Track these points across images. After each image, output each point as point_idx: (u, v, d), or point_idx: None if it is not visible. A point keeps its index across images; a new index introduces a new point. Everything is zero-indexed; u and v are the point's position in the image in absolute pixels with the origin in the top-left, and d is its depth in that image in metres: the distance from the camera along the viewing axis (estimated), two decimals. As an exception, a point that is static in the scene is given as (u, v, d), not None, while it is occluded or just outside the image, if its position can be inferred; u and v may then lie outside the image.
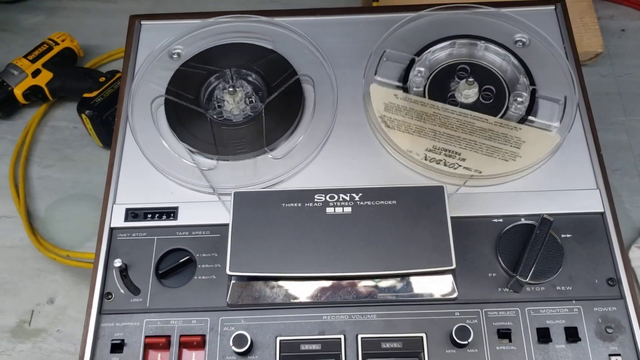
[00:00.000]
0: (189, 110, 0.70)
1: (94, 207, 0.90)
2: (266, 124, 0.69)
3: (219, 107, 0.71)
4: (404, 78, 0.71)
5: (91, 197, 0.91)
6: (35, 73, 1.00)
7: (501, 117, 0.68)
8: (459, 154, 0.65)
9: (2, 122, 1.01)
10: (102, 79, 0.97)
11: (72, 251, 0.80)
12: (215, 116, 0.70)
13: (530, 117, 0.67)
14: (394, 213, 0.61)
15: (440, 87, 0.71)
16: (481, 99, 0.69)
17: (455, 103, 0.70)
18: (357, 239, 0.60)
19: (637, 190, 0.90)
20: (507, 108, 0.68)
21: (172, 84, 0.72)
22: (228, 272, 0.58)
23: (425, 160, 0.65)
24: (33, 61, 1.01)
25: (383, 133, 0.67)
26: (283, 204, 0.61)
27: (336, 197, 0.62)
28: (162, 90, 0.72)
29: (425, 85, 0.71)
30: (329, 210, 0.61)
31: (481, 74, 0.71)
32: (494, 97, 0.69)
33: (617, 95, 1.01)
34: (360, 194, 0.62)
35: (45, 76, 1.00)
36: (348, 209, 0.61)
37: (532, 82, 0.69)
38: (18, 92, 0.99)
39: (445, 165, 0.65)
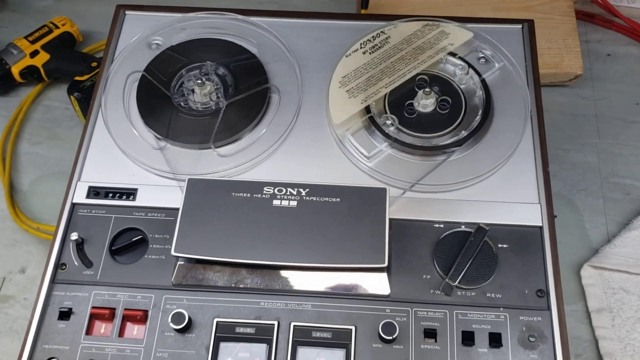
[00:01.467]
0: (158, 95, 0.74)
1: (75, 185, 0.94)
2: (231, 118, 0.72)
3: (186, 95, 0.74)
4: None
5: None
6: (34, 54, 1.04)
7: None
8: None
9: (-1, 98, 1.06)
10: (94, 64, 1.01)
11: (42, 224, 0.84)
12: (181, 104, 0.74)
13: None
14: (336, 210, 0.63)
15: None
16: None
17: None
18: (299, 231, 0.63)
19: (599, 211, 0.92)
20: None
21: (152, 64, 0.76)
22: (173, 252, 0.62)
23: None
24: (33, 42, 1.05)
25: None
26: (233, 193, 0.65)
27: (284, 190, 0.65)
28: (141, 68, 0.76)
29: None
30: (276, 202, 0.64)
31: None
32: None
33: (594, 117, 1.02)
34: (307, 190, 0.65)
35: (43, 57, 1.05)
36: (294, 203, 0.64)
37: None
38: (15, 70, 1.03)
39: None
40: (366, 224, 0.63)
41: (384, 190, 0.64)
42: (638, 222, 0.87)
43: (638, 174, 0.95)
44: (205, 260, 0.63)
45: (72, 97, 0.97)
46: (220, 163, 0.70)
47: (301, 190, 0.65)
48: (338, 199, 0.64)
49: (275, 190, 0.65)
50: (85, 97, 0.96)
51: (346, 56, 0.76)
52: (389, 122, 0.71)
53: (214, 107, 0.73)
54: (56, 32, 1.07)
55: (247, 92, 0.74)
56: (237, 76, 0.75)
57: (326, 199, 0.64)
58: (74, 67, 1.03)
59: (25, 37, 1.06)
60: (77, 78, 0.98)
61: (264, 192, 0.65)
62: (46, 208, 0.92)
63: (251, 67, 0.76)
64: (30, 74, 1.05)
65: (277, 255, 0.62)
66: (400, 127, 0.71)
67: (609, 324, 0.78)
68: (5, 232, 0.90)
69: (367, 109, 0.72)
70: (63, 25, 1.09)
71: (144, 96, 0.74)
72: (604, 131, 1.01)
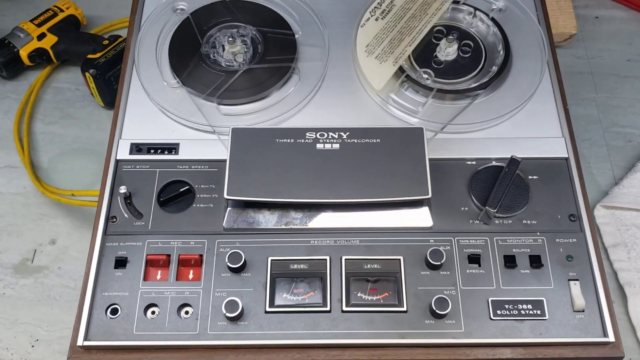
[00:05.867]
0: (191, 40, 0.77)
1: (95, 160, 0.95)
2: (244, 82, 0.75)
3: (217, 48, 0.77)
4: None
5: (92, 151, 0.96)
6: (41, 36, 1.05)
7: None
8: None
9: (7, 82, 1.06)
10: (106, 42, 1.02)
11: (76, 190, 0.85)
12: (210, 55, 0.76)
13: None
14: (377, 150, 0.67)
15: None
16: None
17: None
18: (343, 171, 0.65)
19: (603, 158, 0.97)
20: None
21: (199, 11, 0.79)
22: (226, 195, 0.64)
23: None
24: (39, 25, 1.06)
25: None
26: (277, 140, 0.67)
27: (326, 134, 0.67)
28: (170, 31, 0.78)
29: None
30: (319, 146, 0.67)
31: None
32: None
33: (589, 74, 1.08)
34: (347, 133, 0.68)
35: (50, 39, 1.05)
36: (336, 145, 0.67)
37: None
38: (24, 53, 1.04)
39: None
40: (407, 161, 0.66)
41: (421, 129, 0.68)
42: (641, 165, 0.92)
43: (637, 123, 1.01)
44: (257, 202, 0.65)
45: (87, 74, 0.97)
46: (256, 117, 0.72)
47: (342, 133, 0.67)
48: (378, 140, 0.67)
49: (318, 135, 0.67)
50: (101, 74, 0.97)
51: (361, 26, 0.78)
52: (425, 76, 0.74)
53: (235, 67, 0.76)
54: (61, 15, 1.08)
55: (270, 64, 0.76)
56: (268, 46, 0.77)
57: (366, 140, 0.67)
58: (84, 48, 1.03)
59: (31, 21, 1.06)
60: (90, 56, 0.99)
61: (307, 137, 0.67)
62: (69, 183, 0.92)
63: (286, 42, 0.78)
64: (39, 57, 1.05)
65: (325, 193, 0.64)
66: (436, 78, 0.74)
67: (625, 257, 0.83)
68: (31, 207, 0.90)
69: (400, 69, 0.75)
70: (67, 8, 1.09)
71: (177, 40, 0.77)
72: (600, 86, 1.06)
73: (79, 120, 1.01)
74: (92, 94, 1.02)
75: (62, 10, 1.09)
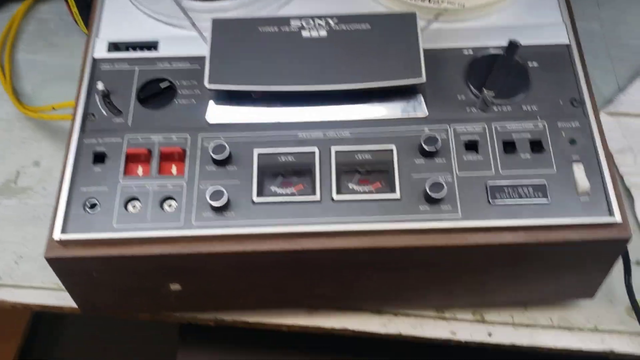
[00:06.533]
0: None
1: (80, 86, 0.92)
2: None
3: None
4: None
5: (77, 78, 0.93)
6: (21, -35, 1.01)
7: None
8: None
9: (-13, 14, 1.03)
10: (87, -33, 0.98)
11: (56, 104, 0.82)
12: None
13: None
14: (368, 36, 0.63)
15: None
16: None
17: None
18: (332, 58, 0.62)
19: (607, 70, 0.93)
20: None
21: None
22: (207, 84, 0.60)
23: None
24: (18, -46, 1.02)
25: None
26: (260, 29, 0.63)
27: (312, 22, 0.64)
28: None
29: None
30: (305, 33, 0.63)
31: None
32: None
33: (592, -11, 1.04)
34: (335, 19, 0.64)
35: (31, -32, 1.01)
36: (323, 33, 0.63)
37: None
38: (3, -17, 1.00)
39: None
40: (399, 46, 0.62)
41: (414, 14, 0.64)
42: (648, 72, 0.88)
43: (644, 35, 0.97)
44: (241, 92, 0.62)
45: (68, -4, 0.94)
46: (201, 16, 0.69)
47: (329, 20, 0.64)
48: (368, 26, 0.63)
49: (303, 22, 0.64)
50: (83, -4, 0.94)
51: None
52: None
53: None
54: (42, -55, 1.04)
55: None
56: None
57: (356, 26, 0.63)
58: (66, -25, 1.00)
59: (11, -49, 1.02)
60: (71, -20, 0.96)
61: (291, 25, 0.64)
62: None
63: None
64: (20, -14, 1.01)
65: (313, 80, 0.61)
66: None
67: (631, 161, 0.79)
68: (14, 132, 0.87)
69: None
70: (48, -63, 1.05)
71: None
72: (604, 3, 1.02)
73: (63, 48, 0.98)
74: (75, 22, 0.98)
75: (42, -60, 1.05)
